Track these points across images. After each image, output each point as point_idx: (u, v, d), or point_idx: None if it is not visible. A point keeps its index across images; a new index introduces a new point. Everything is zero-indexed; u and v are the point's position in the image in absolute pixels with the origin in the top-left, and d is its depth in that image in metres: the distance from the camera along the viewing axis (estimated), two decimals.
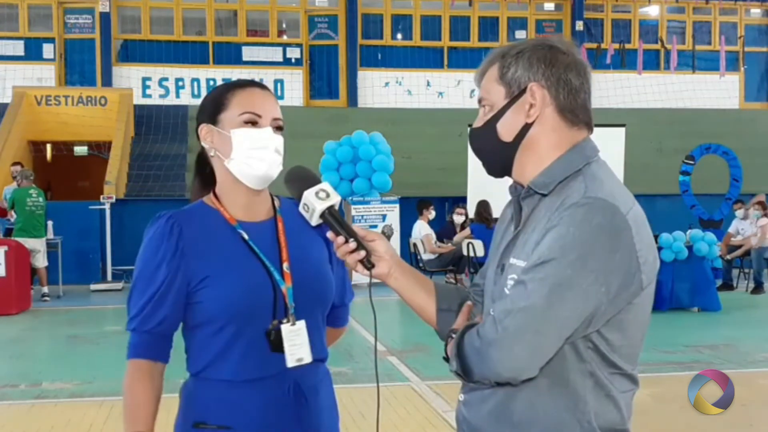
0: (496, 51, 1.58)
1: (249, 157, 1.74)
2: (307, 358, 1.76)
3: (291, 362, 1.74)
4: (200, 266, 1.73)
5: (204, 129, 1.81)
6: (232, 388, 1.73)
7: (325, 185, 1.67)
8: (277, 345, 1.73)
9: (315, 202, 1.65)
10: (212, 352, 1.74)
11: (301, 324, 1.75)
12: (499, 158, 1.57)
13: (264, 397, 1.73)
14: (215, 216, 1.80)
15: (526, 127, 1.52)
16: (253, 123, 1.76)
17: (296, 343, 1.74)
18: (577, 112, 1.52)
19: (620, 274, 1.41)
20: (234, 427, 1.72)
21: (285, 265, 1.77)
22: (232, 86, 1.81)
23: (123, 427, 1.74)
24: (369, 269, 1.64)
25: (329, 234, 1.66)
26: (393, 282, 1.66)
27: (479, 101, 1.59)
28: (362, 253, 1.63)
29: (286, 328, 1.73)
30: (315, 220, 1.66)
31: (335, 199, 1.66)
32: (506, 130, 1.54)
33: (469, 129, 1.61)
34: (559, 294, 1.38)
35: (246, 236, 1.77)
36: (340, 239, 1.63)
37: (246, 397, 1.73)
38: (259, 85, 1.82)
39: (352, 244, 1.62)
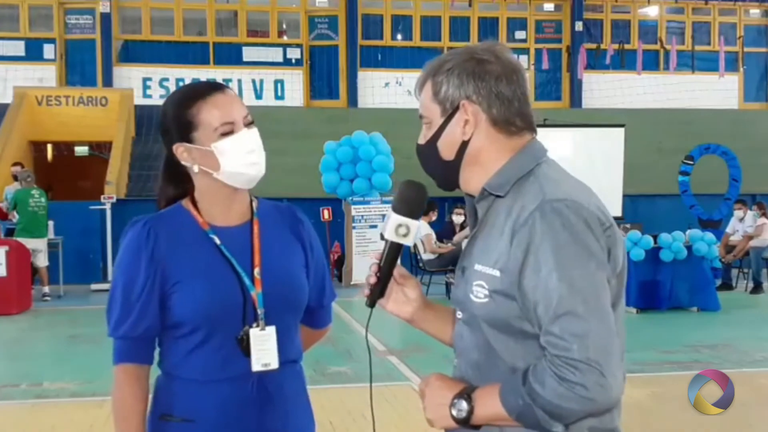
0: (428, 67, 1.58)
1: (241, 165, 1.75)
2: (274, 364, 1.77)
3: (257, 366, 1.75)
4: (173, 271, 1.75)
5: (180, 149, 1.77)
6: (198, 385, 1.76)
7: (412, 223, 1.63)
8: (248, 350, 1.75)
9: (391, 231, 1.63)
10: (181, 354, 1.77)
11: (271, 330, 1.77)
12: (445, 175, 1.59)
13: (227, 393, 1.76)
14: (190, 221, 1.81)
15: (465, 144, 1.54)
16: (230, 132, 1.74)
17: (264, 348, 1.76)
18: (513, 120, 1.53)
19: (605, 259, 1.44)
20: (196, 421, 1.75)
21: (256, 270, 1.78)
22: (193, 99, 1.75)
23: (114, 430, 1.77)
24: (368, 306, 1.68)
25: (374, 255, 1.68)
26: (415, 324, 1.75)
27: (420, 116, 1.61)
28: (366, 292, 1.67)
29: (254, 333, 1.75)
30: (384, 236, 1.67)
31: (409, 241, 1.64)
32: (446, 149, 1.56)
33: (416, 146, 1.62)
34: (595, 295, 1.39)
35: (218, 241, 1.78)
36: (374, 268, 1.66)
37: (209, 393, 1.75)
38: (218, 88, 1.77)
39: (373, 279, 1.66)
